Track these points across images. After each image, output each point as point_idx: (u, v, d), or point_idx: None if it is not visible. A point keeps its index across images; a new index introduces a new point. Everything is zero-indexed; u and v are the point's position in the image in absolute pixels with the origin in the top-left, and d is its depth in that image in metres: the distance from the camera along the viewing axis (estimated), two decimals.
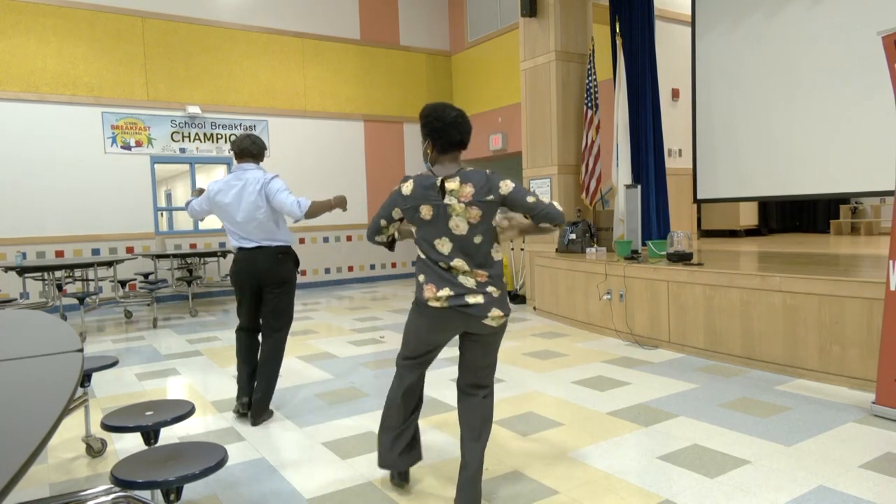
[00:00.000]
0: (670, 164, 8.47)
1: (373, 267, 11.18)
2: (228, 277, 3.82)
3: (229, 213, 3.63)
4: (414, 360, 2.57)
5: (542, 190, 7.50)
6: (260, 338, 3.78)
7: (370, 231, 2.52)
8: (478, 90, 11.15)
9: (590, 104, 7.12)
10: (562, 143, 7.29)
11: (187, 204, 3.86)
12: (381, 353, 5.49)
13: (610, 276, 5.77)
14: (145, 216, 9.04)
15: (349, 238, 10.82)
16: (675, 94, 8.81)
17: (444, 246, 2.35)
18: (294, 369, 5.00)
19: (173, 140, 9.26)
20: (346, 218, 10.70)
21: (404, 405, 2.59)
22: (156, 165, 9.19)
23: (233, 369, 5.10)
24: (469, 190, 2.32)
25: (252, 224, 3.60)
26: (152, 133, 9.09)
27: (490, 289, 2.36)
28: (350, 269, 10.88)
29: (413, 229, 2.45)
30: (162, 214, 10.06)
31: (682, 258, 5.41)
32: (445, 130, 2.38)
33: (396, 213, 2.45)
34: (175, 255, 8.06)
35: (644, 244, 6.51)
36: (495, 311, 2.36)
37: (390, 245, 2.55)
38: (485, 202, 2.33)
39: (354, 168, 10.83)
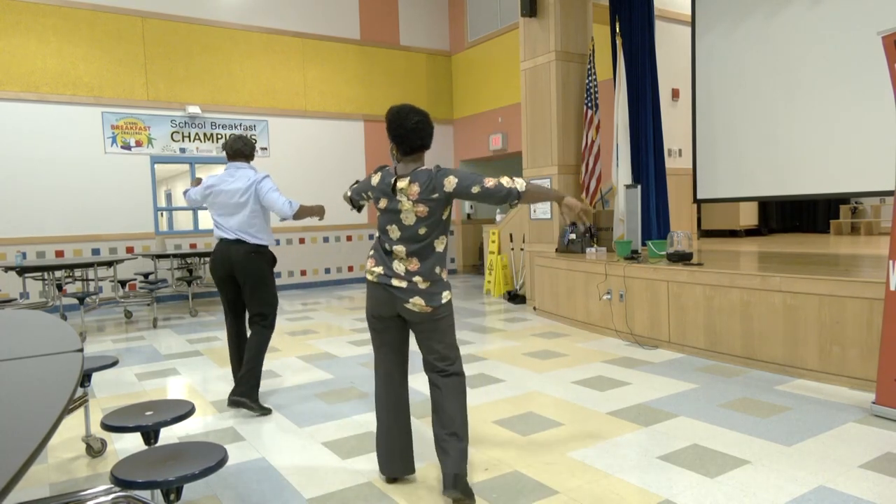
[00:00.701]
0: (670, 164, 8.47)
1: None
2: None
3: (218, 206, 3.84)
4: (375, 321, 2.71)
5: None
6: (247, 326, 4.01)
7: (349, 194, 2.90)
8: (478, 90, 11.15)
9: (590, 104, 7.12)
10: (562, 143, 7.29)
11: (185, 192, 4.04)
12: None
13: (610, 276, 5.77)
14: (145, 216, 9.04)
15: (349, 238, 10.82)
16: (675, 94, 8.81)
17: (393, 232, 2.63)
18: (294, 369, 5.00)
19: (173, 140, 9.26)
20: (346, 218, 10.69)
21: (386, 395, 2.75)
22: (156, 165, 9.19)
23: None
24: (416, 189, 2.57)
25: (234, 219, 3.82)
26: (152, 133, 9.09)
27: (416, 279, 2.61)
28: (350, 269, 10.88)
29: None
30: (162, 214, 10.06)
31: (682, 258, 5.41)
32: (407, 136, 2.59)
33: (365, 195, 2.82)
34: (175, 255, 8.06)
35: (644, 244, 6.50)
36: (417, 300, 2.60)
37: (358, 209, 2.96)
38: (431, 199, 2.57)
39: (354, 168, 10.82)
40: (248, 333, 3.95)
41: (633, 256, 5.93)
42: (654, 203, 7.00)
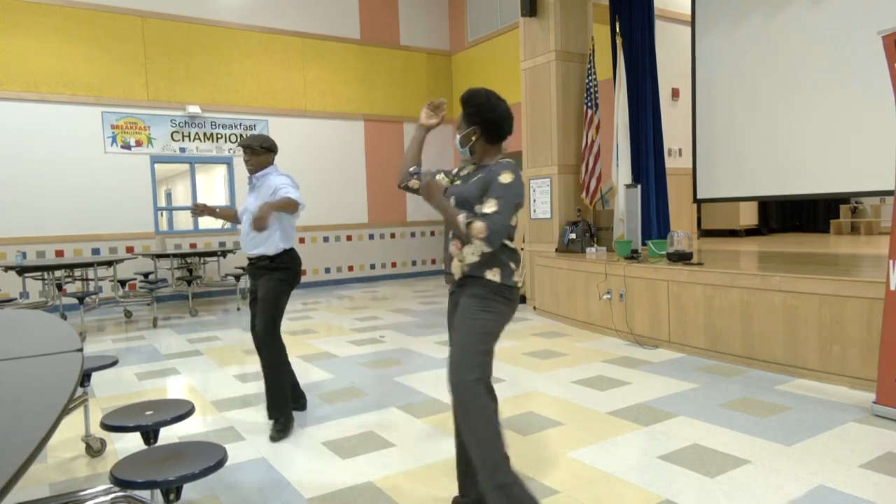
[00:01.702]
0: (670, 163, 8.47)
1: (373, 267, 11.18)
2: (292, 275, 3.68)
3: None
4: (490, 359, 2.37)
5: (543, 189, 7.49)
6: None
7: (500, 235, 2.25)
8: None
9: (590, 104, 7.12)
10: (562, 143, 7.29)
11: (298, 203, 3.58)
12: (381, 353, 5.49)
13: (610, 276, 5.77)
14: (145, 216, 9.04)
15: (349, 238, 10.82)
16: (675, 93, 8.81)
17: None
18: (294, 369, 5.00)
19: (173, 140, 9.25)
20: (346, 218, 10.70)
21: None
22: (156, 165, 9.19)
23: (232, 368, 5.11)
24: None
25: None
26: (152, 132, 9.09)
27: None
28: (350, 268, 10.88)
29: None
30: (162, 214, 10.06)
31: (682, 258, 5.41)
32: (499, 124, 2.41)
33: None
34: (175, 255, 8.06)
35: (644, 244, 6.50)
36: None
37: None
38: None
39: (354, 168, 10.83)
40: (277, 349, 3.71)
41: (634, 256, 5.93)
42: (654, 203, 7.00)
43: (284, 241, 3.61)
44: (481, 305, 2.32)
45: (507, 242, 2.40)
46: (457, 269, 2.42)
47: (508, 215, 2.27)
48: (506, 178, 2.30)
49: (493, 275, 2.35)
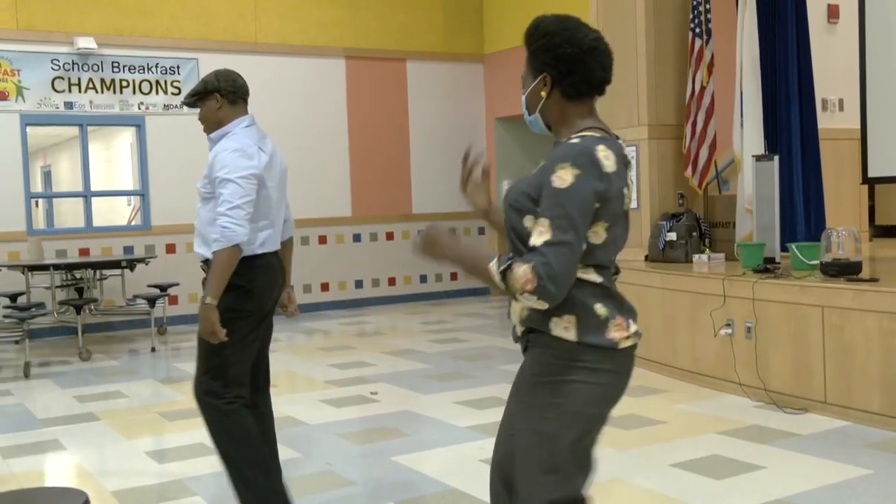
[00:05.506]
0: (825, 122, 8.37)
1: (360, 284, 11.19)
2: (249, 300, 3.60)
3: (271, 191, 3.64)
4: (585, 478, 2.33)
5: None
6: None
7: (560, 282, 2.10)
8: (520, 14, 11.13)
9: (698, 30, 7.08)
10: (654, 93, 7.25)
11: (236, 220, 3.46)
12: (373, 419, 5.47)
13: (731, 300, 5.72)
14: (12, 207, 9.12)
15: (323, 240, 10.82)
16: (834, 12, 8.73)
17: (618, 248, 2.34)
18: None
19: (55, 90, 9.36)
20: (318, 210, 10.64)
21: None
22: (28, 128, 9.30)
23: (144, 442, 5.12)
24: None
25: (283, 208, 3.80)
26: (23, 79, 9.20)
27: None
28: (325, 287, 10.89)
29: (593, 234, 2.25)
30: (37, 204, 10.20)
31: (845, 270, 5.36)
32: (582, 61, 2.28)
33: (608, 206, 2.22)
34: (57, 266, 8.13)
35: (784, 248, 6.45)
36: None
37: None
38: None
39: (332, 132, 10.86)
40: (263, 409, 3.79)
41: (768, 268, 5.89)
42: (799, 184, 6.94)
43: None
44: (548, 389, 2.22)
45: (588, 274, 2.23)
46: (515, 315, 2.32)
47: (575, 242, 2.11)
48: (563, 174, 2.14)
49: (564, 328, 2.21)
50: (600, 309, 2.21)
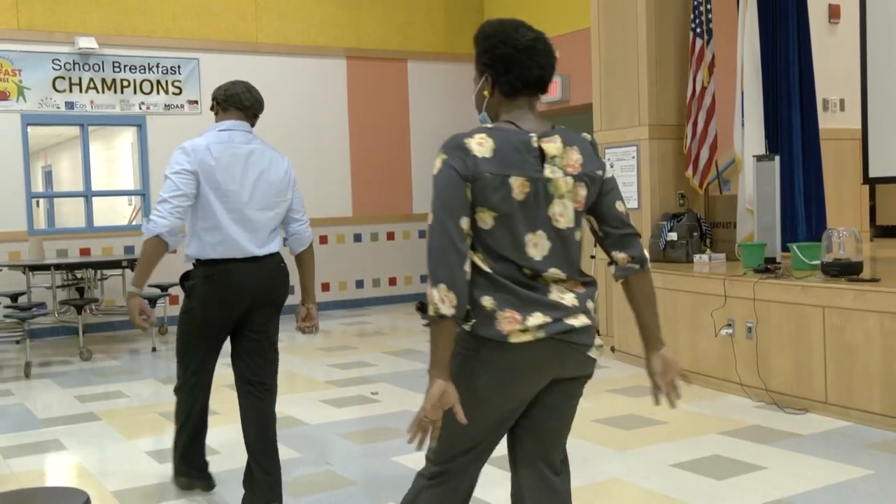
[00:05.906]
0: (827, 122, 8.37)
1: (360, 285, 11.19)
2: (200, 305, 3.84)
3: (231, 195, 3.68)
4: (466, 457, 2.47)
5: (625, 164, 7.45)
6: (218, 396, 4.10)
7: (440, 255, 2.31)
8: (521, 14, 11.10)
9: (699, 30, 7.08)
10: (655, 92, 7.25)
11: (153, 217, 3.67)
12: (374, 419, 5.48)
13: (732, 300, 5.74)
14: (13, 207, 9.13)
15: (324, 240, 10.83)
16: (835, 12, 8.73)
17: (538, 245, 2.35)
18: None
19: (56, 90, 9.36)
20: (318, 209, 10.63)
21: None
22: (29, 128, 9.30)
23: (145, 442, 5.13)
24: (577, 157, 2.37)
25: (267, 216, 3.79)
26: (24, 79, 9.20)
27: (590, 304, 2.43)
28: (325, 287, 10.89)
29: (479, 220, 2.34)
30: (38, 204, 10.20)
31: (845, 271, 5.36)
32: (517, 60, 2.40)
33: (467, 197, 2.30)
34: (58, 266, 8.12)
35: (785, 249, 6.45)
36: (597, 339, 2.45)
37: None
38: (593, 178, 2.40)
39: (332, 131, 10.86)
40: (245, 403, 3.99)
41: (769, 268, 5.90)
42: (800, 184, 6.95)
43: (194, 247, 3.75)
44: (454, 372, 2.37)
45: (482, 260, 2.34)
46: None
47: (447, 220, 2.26)
48: (436, 162, 2.33)
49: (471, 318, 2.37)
50: (486, 301, 2.31)
